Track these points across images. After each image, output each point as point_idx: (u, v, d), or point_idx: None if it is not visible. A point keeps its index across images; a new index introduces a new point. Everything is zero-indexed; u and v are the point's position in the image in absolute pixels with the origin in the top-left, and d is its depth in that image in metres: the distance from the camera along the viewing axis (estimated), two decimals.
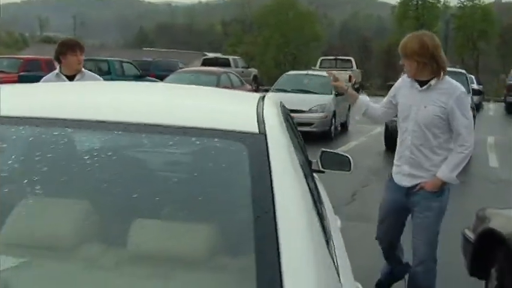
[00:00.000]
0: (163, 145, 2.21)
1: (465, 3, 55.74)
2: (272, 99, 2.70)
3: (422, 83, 4.12)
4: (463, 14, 55.07)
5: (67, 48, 5.29)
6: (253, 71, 35.74)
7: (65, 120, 2.09)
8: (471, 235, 4.60)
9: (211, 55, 45.63)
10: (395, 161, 4.34)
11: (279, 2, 60.28)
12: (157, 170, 2.26)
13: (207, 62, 33.17)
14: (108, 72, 20.05)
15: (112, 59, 21.49)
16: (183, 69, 21.68)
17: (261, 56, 58.01)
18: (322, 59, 34.76)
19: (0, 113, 2.12)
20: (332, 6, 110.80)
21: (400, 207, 4.30)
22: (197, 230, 1.85)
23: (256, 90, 24.94)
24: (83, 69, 5.36)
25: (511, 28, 52.93)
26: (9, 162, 2.09)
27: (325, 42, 65.37)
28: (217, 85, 16.91)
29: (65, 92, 2.73)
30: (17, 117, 2.11)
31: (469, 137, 4.09)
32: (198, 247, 1.77)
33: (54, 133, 2.11)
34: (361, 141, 15.22)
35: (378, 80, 54.67)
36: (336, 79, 4.40)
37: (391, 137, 13.09)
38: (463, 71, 16.09)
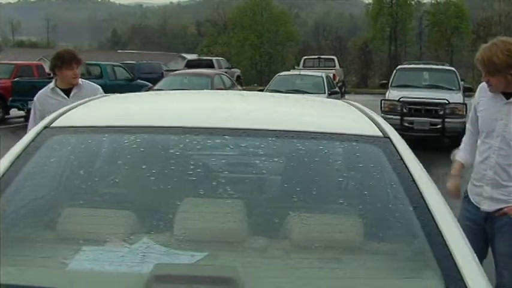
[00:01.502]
0: (306, 148, 2.46)
1: (438, 0, 56.72)
2: (358, 103, 3.09)
3: (508, 94, 3.64)
4: (437, 10, 56.03)
5: (62, 62, 5.01)
6: (236, 71, 35.94)
7: (216, 129, 2.36)
8: None
9: (188, 56, 45.75)
10: (474, 181, 3.85)
11: (253, 3, 60.79)
12: (305, 169, 2.49)
13: (190, 64, 33.32)
14: (100, 76, 20.13)
15: (104, 63, 21.51)
16: (176, 72, 21.81)
17: (237, 57, 58.38)
18: (306, 58, 34.99)
19: (158, 123, 2.42)
20: (302, 6, 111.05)
21: (479, 230, 3.78)
22: (356, 221, 2.15)
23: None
24: (80, 80, 5.09)
25: (484, 24, 53.80)
26: (167, 166, 2.37)
27: (300, 41, 65.98)
28: (211, 87, 17.17)
29: (199, 102, 3.10)
30: (173, 127, 2.40)
31: None
32: (358, 238, 2.07)
33: (208, 142, 2.39)
34: None
35: (353, 77, 55.21)
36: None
37: None
38: (453, 68, 16.44)
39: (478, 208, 3.78)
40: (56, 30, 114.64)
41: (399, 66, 17.19)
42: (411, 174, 2.15)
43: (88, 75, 20.09)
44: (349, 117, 2.81)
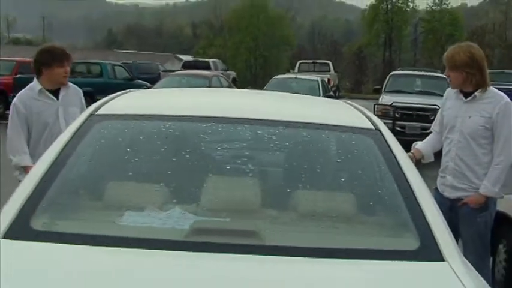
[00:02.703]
0: (311, 137, 2.91)
1: (434, 7, 57.37)
2: (353, 103, 3.55)
3: (467, 94, 4.16)
4: (432, 17, 56.63)
5: (53, 59, 4.39)
6: (232, 73, 36.25)
7: (238, 119, 2.83)
8: None
9: (184, 57, 46.02)
10: (440, 173, 4.37)
11: (251, 5, 61.11)
12: (309, 154, 2.92)
13: (187, 65, 33.51)
14: (100, 75, 20.53)
15: (104, 62, 21.83)
16: (174, 73, 22.14)
17: (232, 59, 58.70)
18: (301, 63, 35.30)
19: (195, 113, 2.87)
20: (299, 9, 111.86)
21: (446, 219, 4.02)
22: (350, 196, 2.62)
23: None
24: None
25: (478, 32, 54.40)
26: (196, 149, 2.86)
27: (295, 45, 66.42)
28: (209, 87, 17.51)
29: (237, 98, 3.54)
30: (202, 117, 2.86)
31: (506, 148, 4.07)
32: (353, 208, 2.53)
33: (231, 129, 2.83)
34: None
35: (346, 82, 55.50)
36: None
37: None
38: (445, 75, 16.81)
39: (444, 198, 4.25)
40: (52, 28, 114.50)
41: (393, 72, 17.64)
42: (397, 160, 2.62)
43: (88, 74, 20.50)
44: (347, 113, 3.27)
